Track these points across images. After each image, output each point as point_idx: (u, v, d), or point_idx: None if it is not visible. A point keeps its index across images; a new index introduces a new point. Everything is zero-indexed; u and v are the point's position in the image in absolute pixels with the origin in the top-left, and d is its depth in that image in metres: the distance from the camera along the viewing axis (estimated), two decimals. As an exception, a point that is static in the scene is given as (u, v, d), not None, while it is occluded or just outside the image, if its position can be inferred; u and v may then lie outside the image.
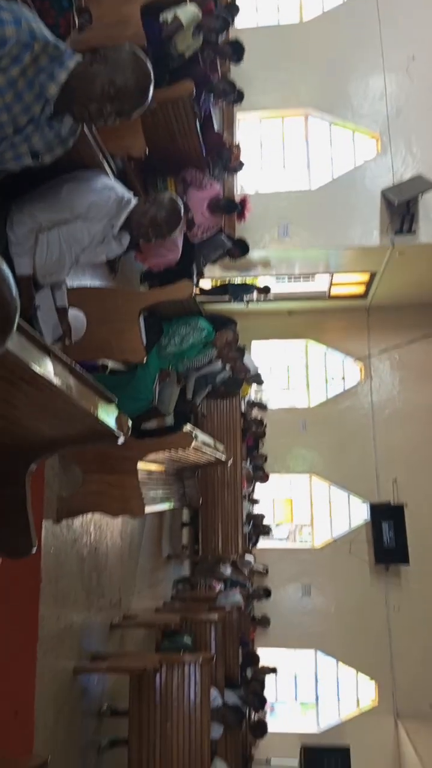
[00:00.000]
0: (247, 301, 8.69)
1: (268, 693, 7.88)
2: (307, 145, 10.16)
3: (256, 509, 10.26)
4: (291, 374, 12.37)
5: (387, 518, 10.70)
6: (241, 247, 6.29)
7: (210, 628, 5.33)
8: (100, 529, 4.53)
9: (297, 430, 11.42)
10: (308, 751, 9.71)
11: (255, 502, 10.24)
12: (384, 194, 8.82)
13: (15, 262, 2.27)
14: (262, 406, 10.58)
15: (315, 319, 11.72)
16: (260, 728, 7.57)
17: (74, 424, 1.95)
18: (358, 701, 10.77)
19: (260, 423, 9.91)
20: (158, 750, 4.18)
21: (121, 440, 2.13)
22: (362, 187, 9.10)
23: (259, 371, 7.39)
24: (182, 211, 2.59)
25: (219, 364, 5.41)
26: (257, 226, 8.51)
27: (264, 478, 9.84)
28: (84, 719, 4.20)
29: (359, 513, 11.34)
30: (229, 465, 6.34)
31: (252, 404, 10.36)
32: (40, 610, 3.36)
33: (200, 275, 5.69)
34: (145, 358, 3.79)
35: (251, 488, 9.82)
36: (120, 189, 2.43)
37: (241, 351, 5.08)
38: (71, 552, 3.91)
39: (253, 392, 10.76)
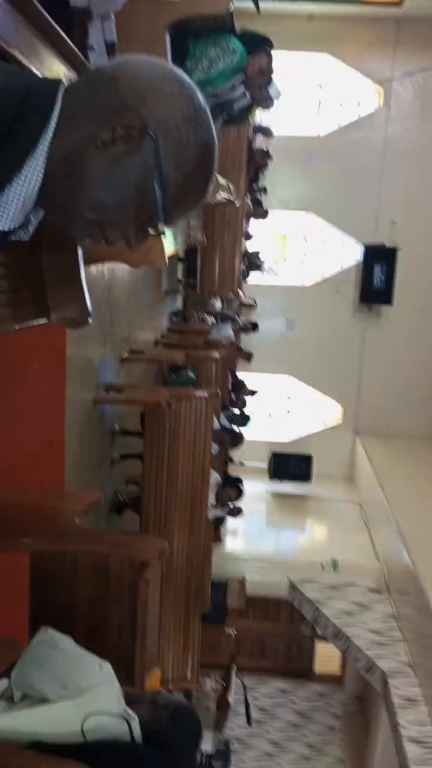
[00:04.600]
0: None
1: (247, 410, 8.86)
2: None
3: (250, 246, 10.11)
4: (302, 96, 11.06)
5: (379, 260, 10.74)
6: None
7: (211, 364, 5.66)
8: (113, 271, 4.47)
9: (301, 162, 10.70)
10: (276, 456, 11.26)
11: (249, 237, 10.04)
12: None
13: None
14: (267, 132, 9.68)
15: (337, 28, 10.09)
16: (237, 439, 8.66)
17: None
18: (323, 421, 12.14)
19: (266, 154, 9.21)
20: (166, 465, 4.79)
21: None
22: None
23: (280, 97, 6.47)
24: None
25: (240, 90, 4.77)
26: None
27: (263, 214, 9.51)
28: (101, 439, 4.69)
29: (352, 254, 11.32)
30: (237, 207, 6.04)
31: (257, 129, 9.48)
32: (68, 351, 3.48)
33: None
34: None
35: (247, 224, 9.53)
36: None
37: (270, 78, 4.41)
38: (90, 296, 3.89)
39: (258, 115, 9.73)
